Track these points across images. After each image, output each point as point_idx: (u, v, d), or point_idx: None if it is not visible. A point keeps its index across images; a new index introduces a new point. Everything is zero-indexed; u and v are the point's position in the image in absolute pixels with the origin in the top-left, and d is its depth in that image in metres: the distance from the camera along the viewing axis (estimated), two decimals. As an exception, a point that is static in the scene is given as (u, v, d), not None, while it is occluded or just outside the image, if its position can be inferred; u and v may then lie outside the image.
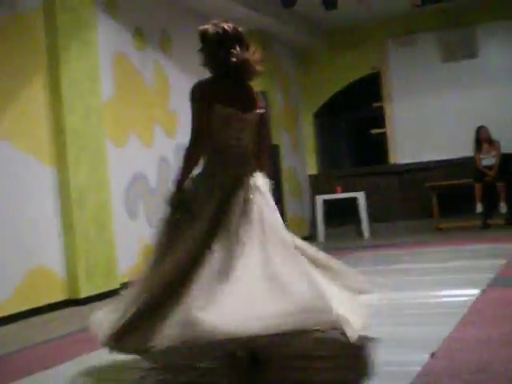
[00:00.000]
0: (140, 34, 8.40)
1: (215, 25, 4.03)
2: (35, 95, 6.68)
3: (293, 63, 12.83)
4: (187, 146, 3.80)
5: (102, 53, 7.53)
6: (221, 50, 3.93)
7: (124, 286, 7.41)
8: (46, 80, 6.82)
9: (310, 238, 12.44)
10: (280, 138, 11.43)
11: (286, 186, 11.53)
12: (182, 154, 8.63)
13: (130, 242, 7.80)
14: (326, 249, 9.94)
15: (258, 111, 3.94)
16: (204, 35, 4.02)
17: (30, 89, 6.64)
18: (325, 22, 12.23)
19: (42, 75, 6.77)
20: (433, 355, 3.59)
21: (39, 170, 6.66)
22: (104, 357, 4.18)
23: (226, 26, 4.01)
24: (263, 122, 4.01)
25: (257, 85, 11.33)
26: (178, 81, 9.07)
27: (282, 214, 10.05)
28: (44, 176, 6.70)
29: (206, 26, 4.06)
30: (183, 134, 9.07)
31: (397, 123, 12.42)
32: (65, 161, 6.82)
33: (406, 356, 3.68)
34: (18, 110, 6.47)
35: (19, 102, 6.50)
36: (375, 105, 12.70)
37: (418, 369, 3.37)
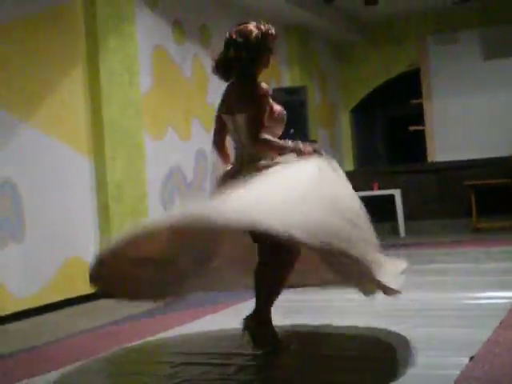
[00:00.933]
0: (179, 27, 8.39)
1: (258, 27, 4.06)
2: (74, 86, 6.71)
3: (331, 58, 12.74)
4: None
5: (141, 45, 7.53)
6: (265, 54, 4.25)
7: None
8: (85, 71, 6.84)
9: (345, 234, 12.35)
10: (317, 133, 11.35)
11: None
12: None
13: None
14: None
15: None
16: (249, 35, 4.01)
17: (69, 80, 6.66)
18: (364, 17, 12.13)
19: (81, 67, 6.79)
20: (472, 359, 3.52)
21: (77, 161, 6.68)
22: (137, 350, 4.18)
23: (270, 29, 4.08)
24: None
25: (295, 80, 11.32)
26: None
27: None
28: (81, 168, 6.72)
29: (250, 27, 4.05)
30: (220, 128, 9.05)
31: (436, 121, 12.27)
32: (102, 153, 6.84)
33: (444, 359, 3.62)
34: (57, 101, 6.50)
35: (58, 93, 6.52)
36: (414, 102, 12.56)
37: (457, 372, 3.31)
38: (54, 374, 3.96)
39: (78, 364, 4.17)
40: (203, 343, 4.50)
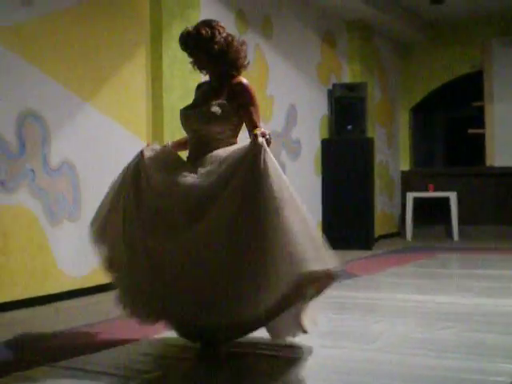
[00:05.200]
0: (242, 17, 8.38)
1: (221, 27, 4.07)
2: (137, 71, 6.76)
3: (393, 56, 12.62)
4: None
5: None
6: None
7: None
8: (147, 57, 6.88)
9: (398, 235, 12.27)
10: (375, 131, 11.26)
11: (378, 181, 11.35)
12: (277, 140, 8.59)
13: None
14: (414, 248, 9.80)
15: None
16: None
17: (132, 65, 6.72)
18: (428, 16, 11.97)
19: (144, 52, 6.84)
20: (524, 367, 3.46)
21: (135, 145, 6.70)
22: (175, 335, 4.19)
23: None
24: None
25: (356, 76, 11.23)
26: (277, 65, 9.03)
27: (372, 209, 9.94)
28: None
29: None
30: (278, 119, 9.06)
31: (498, 124, 12.04)
32: (160, 138, 6.86)
33: (494, 365, 3.56)
34: (120, 85, 6.56)
35: (121, 77, 6.58)
36: (475, 104, 12.36)
37: (509, 380, 3.26)
38: (104, 354, 4.00)
39: (127, 345, 4.21)
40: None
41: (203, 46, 3.99)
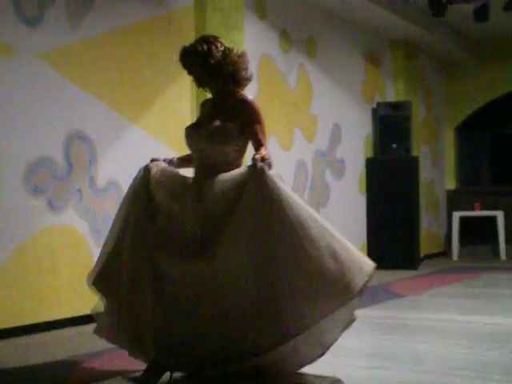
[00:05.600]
0: (286, 37, 8.42)
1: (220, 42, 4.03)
2: (182, 92, 6.82)
3: (437, 74, 12.54)
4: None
5: (247, 54, 7.57)
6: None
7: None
8: (192, 78, 6.92)
9: (444, 254, 12.14)
10: (419, 149, 11.18)
11: (423, 200, 11.25)
12: (321, 159, 8.61)
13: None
14: (460, 267, 9.68)
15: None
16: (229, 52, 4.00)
17: (177, 86, 6.78)
18: (473, 34, 11.87)
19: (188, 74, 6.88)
20: None
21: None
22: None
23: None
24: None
25: (400, 94, 11.17)
26: (321, 85, 9.04)
27: (417, 228, 9.83)
28: (185, 172, 6.80)
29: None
30: (322, 140, 9.06)
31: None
32: (205, 158, 6.92)
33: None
34: (164, 106, 6.63)
35: (166, 99, 6.65)
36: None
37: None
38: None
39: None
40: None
41: (199, 61, 3.93)
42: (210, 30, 6.96)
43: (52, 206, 5.60)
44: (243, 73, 3.98)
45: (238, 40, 7.34)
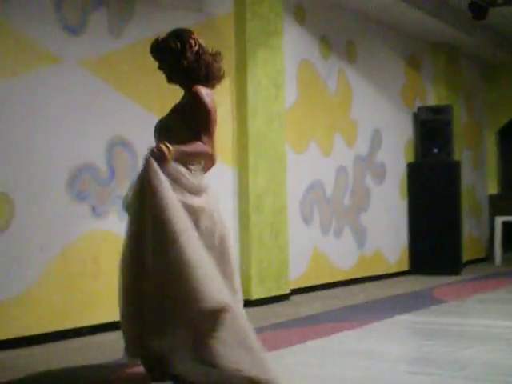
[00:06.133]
0: (325, 42, 8.42)
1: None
2: (222, 98, 6.85)
3: (478, 78, 12.42)
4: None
5: (287, 59, 7.61)
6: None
7: (294, 291, 7.46)
8: (232, 84, 6.98)
9: (486, 260, 12.00)
10: (461, 154, 11.08)
11: (465, 204, 11.15)
12: (361, 164, 8.59)
13: (303, 248, 7.83)
14: (502, 273, 9.57)
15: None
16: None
17: (217, 91, 6.76)
18: (515, 37, 11.76)
19: (229, 79, 6.93)
20: None
21: (221, 170, 6.81)
22: (271, 361, 4.18)
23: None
24: None
25: (441, 98, 11.06)
26: (361, 89, 9.02)
27: (459, 233, 9.73)
28: (225, 176, 6.86)
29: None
30: (363, 144, 9.03)
31: None
32: (246, 164, 6.96)
33: None
34: (205, 112, 6.66)
35: (206, 104, 6.68)
36: None
37: None
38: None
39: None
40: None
41: (172, 60, 3.86)
42: (250, 36, 7.01)
43: (95, 211, 5.67)
44: (216, 73, 3.93)
45: (278, 46, 7.37)
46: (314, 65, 8.22)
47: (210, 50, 3.91)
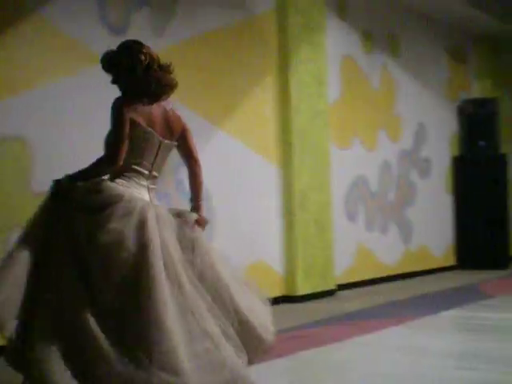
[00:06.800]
0: (368, 37, 8.38)
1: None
2: (265, 96, 6.88)
3: (525, 70, 12.23)
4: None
5: (329, 55, 7.60)
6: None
7: (339, 287, 7.46)
8: (275, 81, 6.99)
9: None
10: (509, 146, 10.92)
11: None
12: (406, 159, 8.51)
13: (347, 244, 7.82)
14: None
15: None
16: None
17: (261, 89, 6.84)
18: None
19: (271, 76, 6.95)
20: None
21: (265, 168, 6.85)
22: (319, 356, 4.20)
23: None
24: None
25: (486, 91, 10.90)
26: (404, 84, 8.96)
27: (506, 227, 9.60)
28: (269, 174, 6.88)
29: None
30: (407, 139, 8.97)
31: None
32: (290, 161, 6.97)
33: None
34: (249, 110, 6.70)
35: (250, 102, 6.72)
36: None
37: None
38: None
39: (257, 365, 4.25)
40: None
41: (122, 75, 3.76)
42: (292, 33, 7.01)
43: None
44: (165, 88, 3.78)
45: (320, 42, 7.37)
46: (356, 60, 8.19)
47: (160, 63, 3.80)
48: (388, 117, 8.68)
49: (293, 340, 4.97)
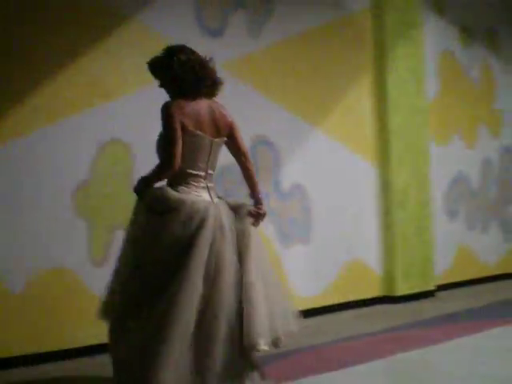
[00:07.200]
0: (466, 32, 8.19)
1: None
2: (361, 94, 6.82)
3: None
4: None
5: (428, 51, 7.47)
6: None
7: (438, 287, 7.33)
8: (372, 79, 6.92)
9: None
10: None
11: None
12: (507, 155, 8.28)
13: (448, 243, 7.67)
14: None
15: None
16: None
17: (357, 87, 6.79)
18: None
19: (368, 74, 6.88)
20: None
21: (361, 166, 6.79)
22: (419, 358, 4.14)
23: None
24: None
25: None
26: (504, 78, 8.72)
27: None
28: (366, 173, 6.82)
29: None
30: (509, 135, 8.73)
31: None
32: (388, 160, 6.89)
33: None
34: (344, 108, 6.65)
35: (347, 101, 6.68)
36: None
37: None
38: (333, 374, 4.06)
39: (356, 367, 4.23)
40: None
41: (163, 75, 3.87)
42: (388, 30, 6.93)
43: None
44: (208, 87, 3.86)
45: (418, 38, 7.25)
46: (455, 55, 8.02)
47: (203, 63, 3.88)
48: (488, 112, 8.46)
49: (392, 341, 4.92)
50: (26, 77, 4.83)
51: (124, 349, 3.56)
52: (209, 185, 3.81)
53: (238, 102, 5.84)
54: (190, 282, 3.47)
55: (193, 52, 3.92)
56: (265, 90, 6.05)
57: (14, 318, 4.71)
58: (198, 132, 3.72)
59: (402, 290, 6.87)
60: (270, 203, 6.01)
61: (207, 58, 3.91)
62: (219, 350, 3.49)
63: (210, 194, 3.77)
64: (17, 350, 4.72)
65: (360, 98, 6.83)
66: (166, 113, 3.69)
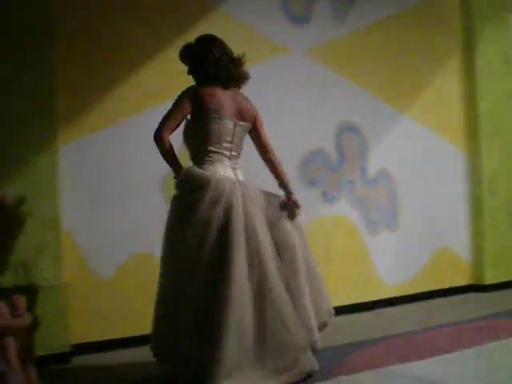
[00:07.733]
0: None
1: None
2: (449, 78, 6.70)
3: None
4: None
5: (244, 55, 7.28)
6: None
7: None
8: (460, 63, 6.78)
9: None
10: None
11: None
12: None
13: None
14: None
15: None
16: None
17: (444, 71, 6.67)
18: None
19: (456, 58, 6.75)
20: None
21: (450, 152, 6.68)
22: (504, 347, 4.06)
23: None
24: None
25: None
26: None
27: None
28: (455, 159, 6.70)
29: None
30: None
31: None
32: (477, 145, 6.75)
33: None
34: (433, 93, 6.55)
35: (434, 86, 6.57)
36: None
37: None
38: (422, 363, 4.03)
39: (445, 355, 4.18)
40: None
41: (195, 65, 4.02)
42: (477, 13, 6.77)
43: (326, 196, 5.79)
44: (235, 79, 4.03)
45: (506, 19, 7.07)
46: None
47: (233, 56, 4.06)
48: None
49: (480, 331, 4.84)
50: (115, 67, 4.94)
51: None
52: (234, 166, 3.96)
53: (323, 87, 5.86)
54: (237, 284, 3.62)
55: (224, 46, 4.07)
56: (351, 76, 6.01)
57: (105, 302, 4.86)
58: (222, 112, 3.89)
59: (491, 278, 6.73)
60: (355, 190, 6.00)
61: (239, 56, 4.07)
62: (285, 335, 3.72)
63: (235, 173, 3.92)
64: (115, 333, 4.88)
65: (448, 82, 6.71)
66: (181, 94, 3.91)
